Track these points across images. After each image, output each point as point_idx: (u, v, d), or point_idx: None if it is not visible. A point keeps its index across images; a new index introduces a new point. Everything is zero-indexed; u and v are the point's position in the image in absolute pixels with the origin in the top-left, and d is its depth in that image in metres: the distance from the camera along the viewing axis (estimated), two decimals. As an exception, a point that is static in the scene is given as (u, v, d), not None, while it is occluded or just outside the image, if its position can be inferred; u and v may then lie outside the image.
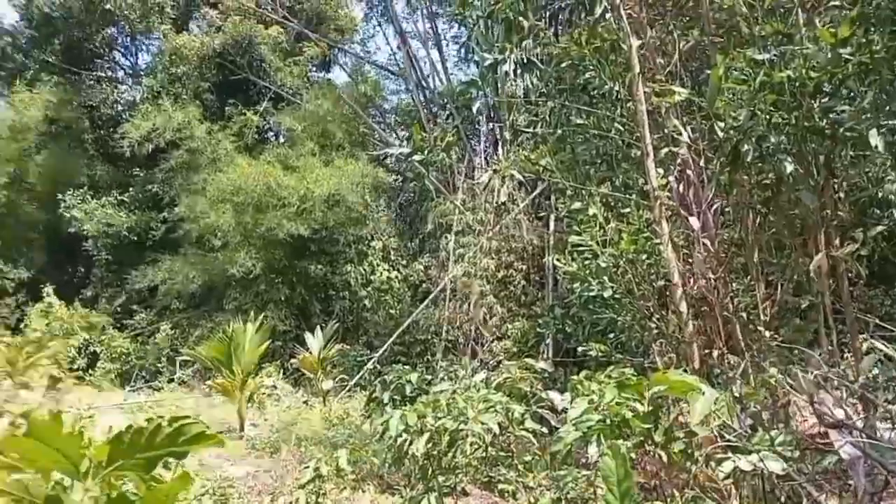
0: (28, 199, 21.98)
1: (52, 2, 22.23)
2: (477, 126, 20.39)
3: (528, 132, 9.14)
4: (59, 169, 21.72)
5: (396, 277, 20.36)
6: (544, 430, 5.31)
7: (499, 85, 13.78)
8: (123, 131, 20.49)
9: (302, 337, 16.63)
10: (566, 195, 8.75)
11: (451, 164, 18.82)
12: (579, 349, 7.78)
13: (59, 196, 20.50)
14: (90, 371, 18.09)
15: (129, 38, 25.36)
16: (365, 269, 20.40)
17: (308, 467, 5.06)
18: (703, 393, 2.96)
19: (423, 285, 19.81)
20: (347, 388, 15.40)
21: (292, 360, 16.41)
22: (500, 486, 5.06)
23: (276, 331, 17.24)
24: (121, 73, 26.32)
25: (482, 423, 4.60)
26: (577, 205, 7.21)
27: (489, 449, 5.03)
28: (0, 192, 21.42)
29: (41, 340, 16.87)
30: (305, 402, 14.11)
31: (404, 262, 21.05)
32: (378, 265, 20.40)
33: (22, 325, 18.76)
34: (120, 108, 23.66)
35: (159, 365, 18.53)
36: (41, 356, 15.23)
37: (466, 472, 5.09)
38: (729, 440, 3.39)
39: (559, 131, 8.06)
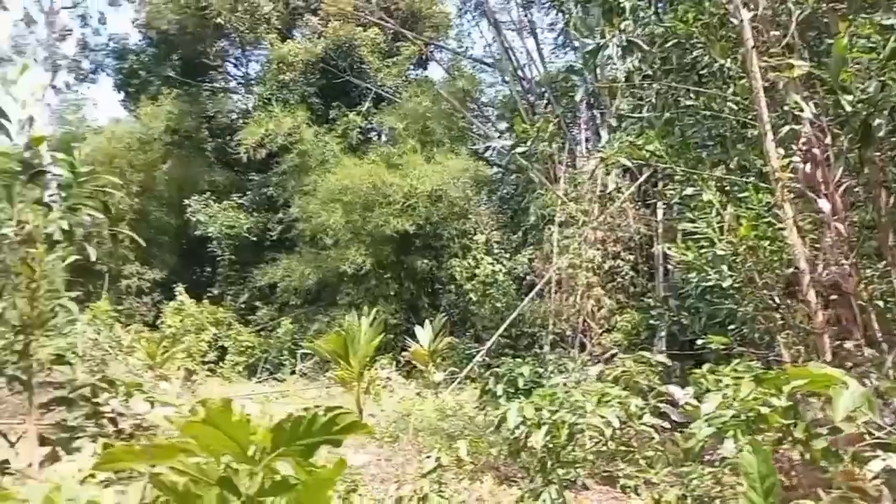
0: (158, 205, 23.48)
1: (170, 20, 23.63)
2: (577, 114, 20.03)
3: (632, 117, 8.84)
4: (184, 176, 23.10)
5: (500, 270, 20.33)
6: (665, 424, 5.15)
7: (599, 70, 13.48)
8: (239, 138, 21.59)
9: (412, 330, 16.89)
10: (676, 181, 8.42)
11: (553, 154, 18.58)
12: (698, 342, 7.47)
13: (185, 201, 21.83)
14: (220, 363, 19.14)
15: (239, 50, 26.63)
16: (469, 263, 20.48)
17: (429, 457, 5.15)
18: (847, 387, 2.78)
19: (528, 278, 19.68)
20: (458, 380, 15.54)
21: (404, 353, 16.71)
22: (622, 481, 4.95)
23: (387, 324, 17.63)
24: (233, 83, 27.72)
25: (601, 417, 4.52)
26: (689, 190, 6.94)
27: (609, 443, 4.93)
28: (133, 200, 22.99)
29: (176, 336, 18.08)
30: (418, 394, 14.34)
31: (507, 255, 20.99)
32: (482, 259, 20.44)
33: (158, 322, 20.13)
34: (234, 116, 24.86)
35: (281, 357, 19.42)
36: (176, 350, 16.29)
37: (585, 466, 5.01)
38: (878, 437, 3.16)
39: (667, 114, 7.77)
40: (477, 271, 20.27)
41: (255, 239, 22.16)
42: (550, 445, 5.02)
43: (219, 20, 22.55)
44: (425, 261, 20.30)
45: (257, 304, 21.94)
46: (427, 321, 16.59)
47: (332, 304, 20.25)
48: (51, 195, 4.35)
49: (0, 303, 4.25)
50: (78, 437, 4.97)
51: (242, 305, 22.15)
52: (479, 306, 20.15)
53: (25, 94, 4.73)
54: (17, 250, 4.20)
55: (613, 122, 14.50)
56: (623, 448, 5.05)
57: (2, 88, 4.44)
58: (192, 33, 23.72)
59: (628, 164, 7.76)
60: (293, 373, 18.21)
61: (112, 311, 16.52)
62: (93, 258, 4.39)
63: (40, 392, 4.75)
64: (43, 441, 4.74)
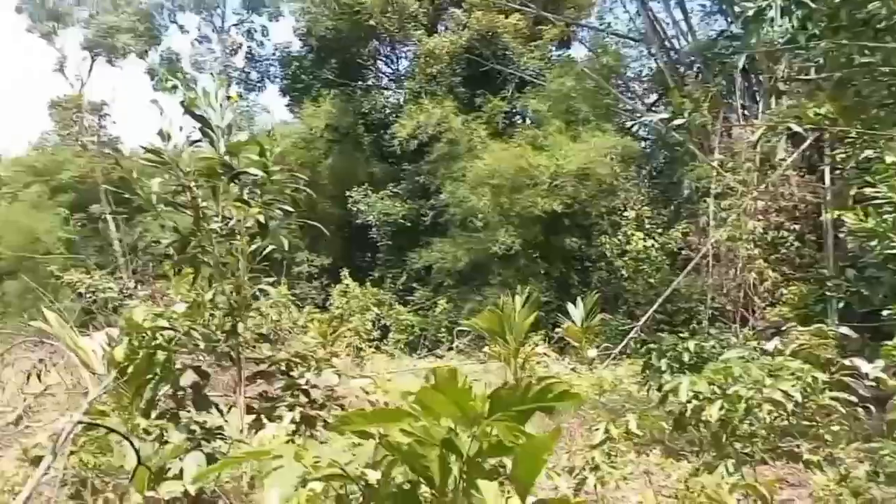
0: (323, 198, 24.87)
1: (327, 27, 24.81)
2: (731, 82, 18.80)
3: (799, 80, 8.16)
4: (344, 169, 24.28)
5: (653, 246, 19.63)
6: (852, 398, 4.77)
7: (757, 33, 12.54)
8: (392, 131, 22.37)
9: (563, 308, 16.78)
10: (850, 144, 7.69)
11: (706, 124, 17.59)
12: (884, 313, 6.80)
13: (347, 193, 22.97)
14: (383, 341, 20.05)
15: (389, 48, 27.49)
16: (620, 240, 19.95)
17: (597, 429, 5.12)
18: None
19: (683, 252, 18.87)
20: (612, 356, 15.25)
21: (556, 330, 16.65)
22: (805, 456, 4.66)
23: (538, 302, 17.63)
24: (385, 80, 28.69)
25: (781, 391, 4.27)
26: (868, 153, 6.32)
27: (789, 418, 4.65)
28: (302, 194, 24.49)
29: (343, 316, 19.15)
30: (573, 370, 14.26)
31: (660, 231, 20.22)
32: (633, 234, 19.82)
33: (327, 304, 21.40)
34: (387, 111, 25.72)
35: (439, 335, 20.02)
36: (344, 329, 17.27)
37: (763, 441, 4.76)
38: None
39: (838, 74, 7.12)
40: (628, 247, 19.71)
41: (410, 224, 22.93)
42: (725, 419, 4.81)
43: (371, 22, 23.37)
44: (574, 239, 20.03)
45: (415, 285, 22.73)
46: (579, 298, 16.43)
47: (484, 283, 20.54)
48: (248, 193, 4.74)
49: (211, 289, 4.71)
50: (278, 407, 5.43)
51: (401, 287, 23.01)
52: (632, 282, 19.61)
53: (218, 105, 5.18)
54: (223, 242, 4.64)
55: (772, 87, 13.48)
56: (805, 423, 4.73)
57: (203, 101, 4.87)
58: (347, 37, 24.79)
59: (798, 129, 7.19)
60: (451, 349, 18.71)
61: (289, 294, 17.77)
62: (286, 248, 4.75)
63: (245, 367, 5.22)
64: (249, 410, 5.22)
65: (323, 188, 24.94)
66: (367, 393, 4.19)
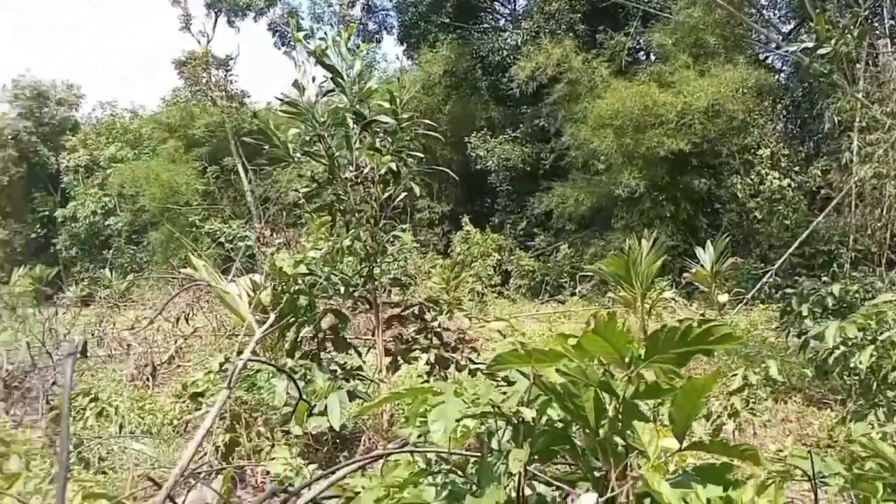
0: (442, 144, 25.04)
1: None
2: (879, 7, 16.90)
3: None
4: (462, 115, 24.24)
5: (789, 185, 18.36)
6: None
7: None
8: (510, 74, 21.95)
9: (690, 252, 16.15)
10: None
11: (850, 52, 15.98)
12: None
13: (466, 139, 22.97)
14: (505, 286, 20.23)
15: (505, -14, 26.82)
16: (752, 180, 18.79)
17: (735, 375, 4.96)
18: None
19: (822, 192, 17.54)
20: (744, 301, 14.58)
21: (684, 275, 16.08)
22: (971, 406, 4.29)
23: (665, 247, 17.07)
24: (502, 22, 28.06)
25: (946, 337, 3.94)
26: None
27: (955, 366, 4.29)
28: (417, 142, 24.78)
29: (464, 262, 19.46)
30: (701, 315, 13.78)
31: (797, 169, 18.85)
32: (767, 174, 18.60)
33: (448, 250, 21.79)
34: (505, 53, 25.20)
35: (561, 280, 19.92)
36: (466, 275, 17.57)
37: (920, 390, 4.43)
38: None
39: None
40: (762, 187, 18.56)
41: (529, 169, 22.68)
42: (875, 366, 4.52)
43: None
44: (703, 180, 19.07)
45: (535, 230, 22.61)
46: (708, 242, 15.73)
47: (607, 228, 20.11)
48: (380, 140, 4.86)
49: (347, 236, 4.92)
50: (413, 349, 5.66)
51: (521, 233, 22.97)
52: (765, 224, 18.53)
53: (347, 54, 5.29)
54: (357, 190, 4.81)
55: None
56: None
57: (332, 50, 4.99)
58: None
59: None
60: (573, 294, 18.59)
61: (413, 241, 18.21)
62: (417, 194, 4.86)
63: (381, 311, 5.45)
64: (386, 352, 5.47)
65: (441, 135, 25.13)
66: (503, 336, 4.26)
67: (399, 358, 5.58)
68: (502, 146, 22.60)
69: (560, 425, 1.83)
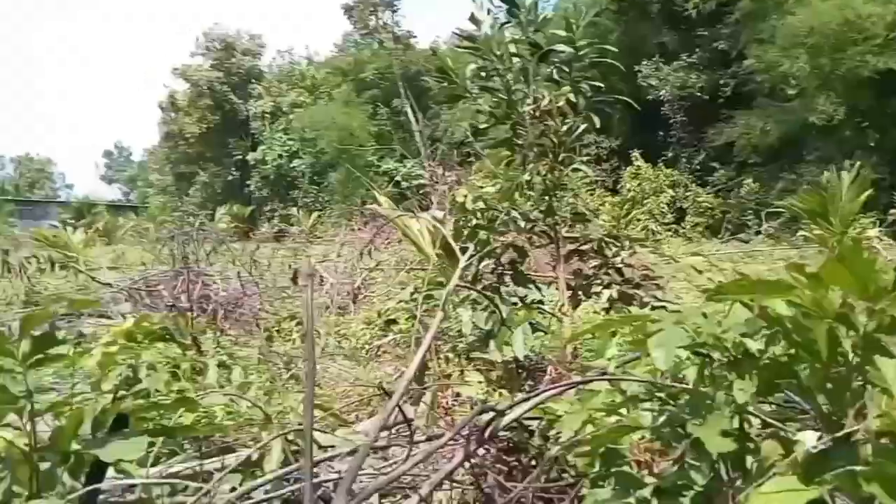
0: (610, 74, 23.98)
1: None
2: None
3: None
4: (632, 42, 22.93)
5: None
6: None
7: None
8: (687, -8, 20.41)
9: (898, 184, 14.44)
10: None
11: None
12: None
13: (636, 67, 21.80)
14: (680, 224, 19.32)
15: None
16: (982, 99, 16.25)
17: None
18: None
19: None
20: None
21: (891, 211, 14.41)
22: None
23: (867, 180, 15.35)
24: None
25: None
26: None
27: None
28: (596, 71, 23.87)
29: (635, 199, 18.78)
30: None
31: None
32: None
33: (617, 187, 21.10)
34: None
35: (744, 218, 18.66)
36: (637, 212, 17.01)
37: None
38: None
39: None
40: None
41: (707, 97, 21.19)
42: None
43: None
44: (917, 102, 16.79)
45: (713, 164, 21.24)
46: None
47: (798, 160, 18.43)
48: (557, 72, 4.77)
49: (526, 171, 4.93)
50: (593, 284, 5.63)
51: (698, 167, 21.71)
52: None
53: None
54: (535, 124, 4.78)
55: None
56: None
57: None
58: None
59: None
60: (758, 233, 17.35)
61: (583, 176, 17.83)
62: (597, 126, 4.74)
63: (562, 245, 5.45)
64: (568, 287, 5.49)
65: (609, 64, 24.03)
66: (699, 272, 4.12)
67: (579, 293, 5.58)
68: (677, 73, 21.23)
69: (785, 359, 1.77)
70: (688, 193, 19.92)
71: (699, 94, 21.09)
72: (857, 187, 11.03)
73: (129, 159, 74.80)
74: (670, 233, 17.97)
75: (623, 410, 2.08)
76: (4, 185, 64.31)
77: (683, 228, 19.15)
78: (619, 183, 21.11)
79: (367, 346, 6.72)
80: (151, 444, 2.76)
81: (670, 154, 22.44)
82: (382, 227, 11.69)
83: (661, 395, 1.82)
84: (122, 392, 3.57)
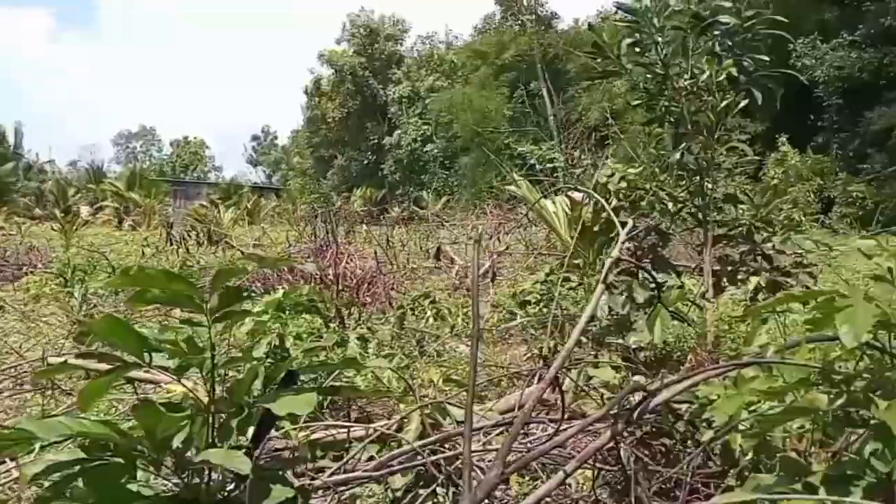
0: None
1: None
2: None
3: None
4: (786, 17, 21.25)
5: None
6: None
7: None
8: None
9: None
10: None
11: None
12: None
13: (790, 46, 20.20)
14: (826, 215, 17.85)
15: None
16: None
17: None
18: None
19: None
20: None
21: None
22: None
23: None
24: None
25: None
26: None
27: None
28: (764, 44, 22.43)
29: (777, 187, 17.46)
30: None
31: None
32: None
33: (760, 174, 19.71)
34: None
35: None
36: (779, 201, 15.81)
37: None
38: None
39: None
40: None
41: (867, 79, 19.27)
42: None
43: None
44: None
45: (869, 151, 19.37)
46: None
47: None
48: (720, 45, 4.48)
49: (678, 150, 4.68)
50: (740, 271, 5.29)
51: (851, 154, 19.89)
52: None
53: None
54: (692, 100, 4.52)
55: None
56: None
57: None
58: None
59: None
60: (914, 226, 15.66)
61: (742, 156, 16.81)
62: (759, 102, 4.42)
63: (710, 230, 5.16)
64: (714, 272, 5.20)
65: (763, 40, 22.41)
66: (868, 257, 3.73)
67: (724, 280, 5.27)
68: (836, 52, 19.45)
69: None
70: (837, 182, 18.33)
71: (859, 74, 19.22)
72: None
73: (275, 143, 78.87)
74: (816, 224, 16.57)
75: (786, 398, 1.95)
76: (163, 166, 70.15)
77: (830, 219, 17.66)
78: (762, 169, 19.73)
79: (494, 329, 6.70)
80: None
81: (821, 139, 20.71)
82: (514, 210, 11.64)
83: (838, 377, 1.67)
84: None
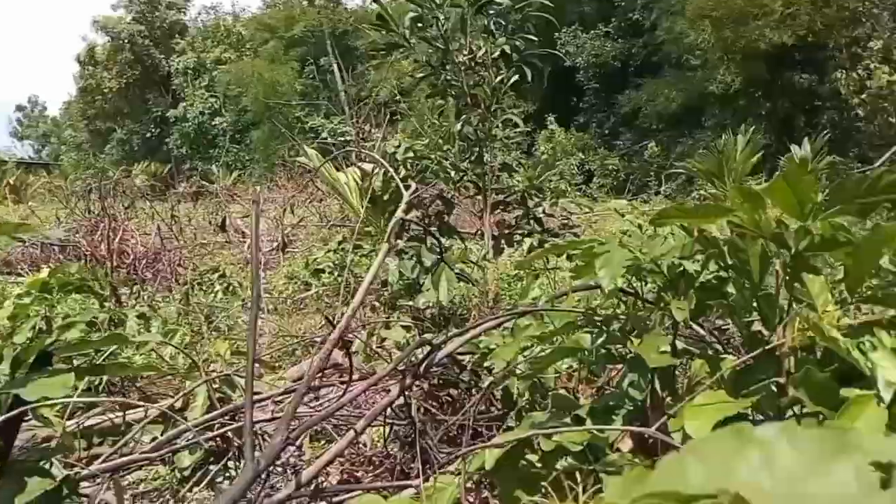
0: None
1: None
2: None
3: None
4: (550, 9, 23.00)
5: (900, 80, 16.75)
6: None
7: None
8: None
9: (784, 151, 15.19)
10: None
11: None
12: None
13: (556, 35, 21.89)
14: (587, 185, 19.78)
15: None
16: (859, 75, 17.24)
17: None
18: None
19: (938, 87, 15.95)
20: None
21: (775, 174, 15.22)
22: None
23: (759, 144, 16.11)
24: None
25: None
26: None
27: None
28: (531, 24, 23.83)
29: (547, 161, 19.02)
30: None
31: (911, 62, 17.11)
32: (877, 68, 16.99)
33: (531, 150, 21.30)
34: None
35: (646, 179, 19.27)
36: (550, 173, 17.24)
37: None
38: None
39: None
40: (869, 83, 17.02)
41: (619, 65, 21.56)
42: None
43: None
44: (804, 76, 17.64)
45: (621, 129, 21.75)
46: (805, 139, 14.69)
47: (696, 126, 19.11)
48: (493, 24, 4.67)
49: (458, 121, 4.85)
50: (514, 234, 5.65)
51: (606, 132, 22.17)
52: (868, 123, 17.14)
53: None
54: (470, 74, 4.68)
55: None
56: None
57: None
58: None
59: None
60: (657, 193, 18.01)
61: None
62: (529, 79, 4.69)
63: (488, 196, 5.43)
64: (493, 236, 5.50)
65: (528, 32, 24.06)
66: (621, 214, 4.18)
67: (502, 242, 5.60)
68: (593, 42, 21.47)
69: (716, 281, 1.79)
70: (596, 156, 20.37)
71: (612, 62, 21.43)
72: (749, 151, 11.53)
73: (44, 115, 69.52)
74: (579, 193, 18.35)
75: (555, 341, 2.09)
76: None
77: (590, 189, 19.63)
78: (534, 146, 21.31)
79: (289, 300, 6.54)
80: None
81: (582, 119, 22.81)
82: (307, 182, 11.35)
83: (599, 319, 1.82)
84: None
